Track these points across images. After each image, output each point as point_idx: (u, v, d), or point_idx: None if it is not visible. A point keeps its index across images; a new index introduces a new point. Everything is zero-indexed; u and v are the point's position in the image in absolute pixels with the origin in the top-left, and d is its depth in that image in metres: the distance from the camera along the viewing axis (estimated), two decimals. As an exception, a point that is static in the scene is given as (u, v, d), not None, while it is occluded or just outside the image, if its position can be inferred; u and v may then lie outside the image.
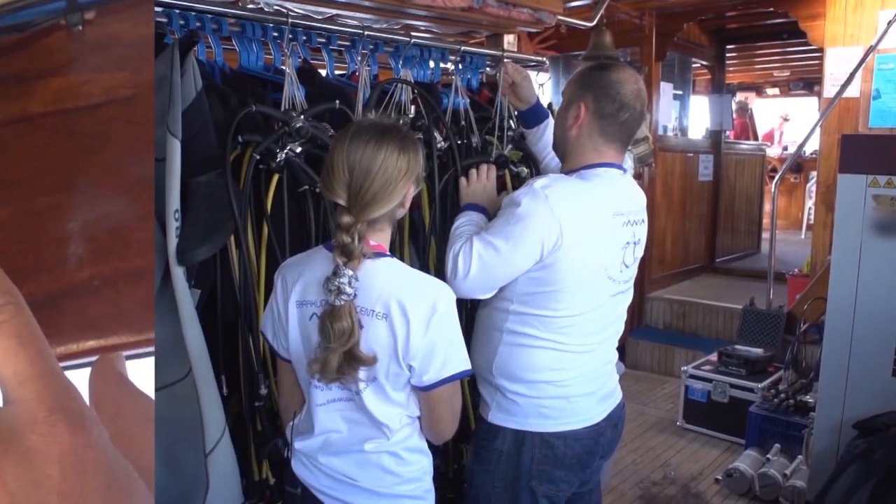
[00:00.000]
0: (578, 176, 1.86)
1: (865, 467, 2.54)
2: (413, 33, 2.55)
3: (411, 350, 1.47)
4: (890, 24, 4.24)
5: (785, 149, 10.67)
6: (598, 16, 4.24)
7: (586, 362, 1.91)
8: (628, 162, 5.83)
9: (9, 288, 0.62)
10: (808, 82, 10.04)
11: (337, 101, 2.03)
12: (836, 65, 4.85)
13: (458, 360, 1.54)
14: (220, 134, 1.81)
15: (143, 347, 1.25)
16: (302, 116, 1.91)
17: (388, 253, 1.55)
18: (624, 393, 2.10)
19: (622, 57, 5.89)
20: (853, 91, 4.62)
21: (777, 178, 5.37)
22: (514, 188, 2.46)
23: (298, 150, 1.92)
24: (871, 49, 4.41)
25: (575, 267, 1.78)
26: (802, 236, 8.65)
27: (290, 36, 2.15)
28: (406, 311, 1.45)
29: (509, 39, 3.02)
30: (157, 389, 1.75)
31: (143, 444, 0.73)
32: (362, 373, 1.50)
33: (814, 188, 6.61)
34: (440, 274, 2.24)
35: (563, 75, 6.61)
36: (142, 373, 1.03)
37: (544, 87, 2.85)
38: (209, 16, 2.04)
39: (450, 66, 2.66)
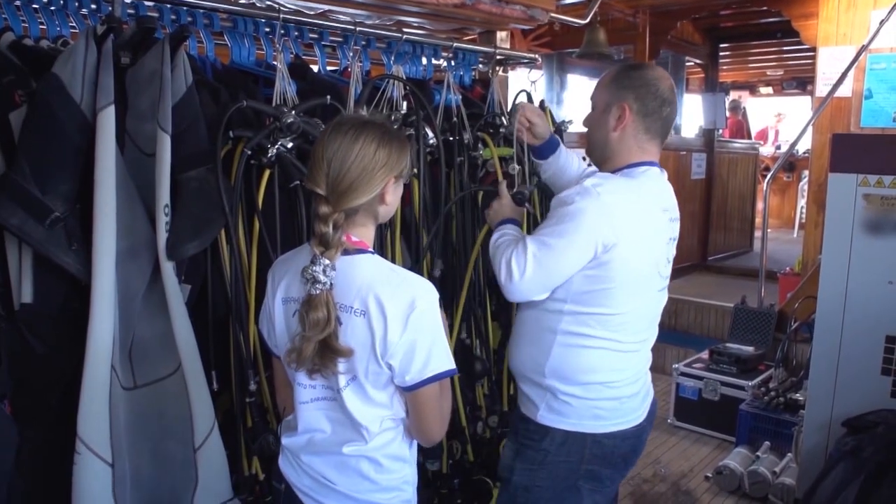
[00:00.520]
0: (624, 174, 1.85)
1: (854, 465, 2.55)
2: (405, 29, 2.55)
3: (389, 348, 1.43)
4: (882, 23, 4.25)
5: (778, 147, 10.70)
6: (592, 13, 4.24)
7: (635, 362, 1.92)
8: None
9: None
10: (802, 81, 10.06)
11: (328, 97, 2.03)
12: (829, 64, 4.85)
13: (440, 360, 1.49)
14: (211, 129, 1.80)
15: None
16: (293, 112, 1.91)
17: (369, 250, 1.52)
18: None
19: (616, 55, 5.90)
20: (845, 90, 4.63)
21: (769, 176, 5.38)
22: (510, 186, 2.47)
23: (290, 145, 1.92)
24: (864, 48, 4.42)
25: (630, 263, 1.78)
26: (795, 235, 8.67)
27: (282, 31, 2.15)
28: (383, 308, 1.42)
29: (502, 36, 3.02)
30: (146, 384, 1.75)
31: None
32: (342, 370, 1.48)
33: (806, 187, 6.62)
34: (431, 275, 2.25)
35: (556, 72, 6.62)
36: None
37: (536, 83, 2.85)
38: (201, 11, 2.04)
39: (442, 62, 2.66)
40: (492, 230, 2.02)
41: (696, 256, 7.02)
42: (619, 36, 5.81)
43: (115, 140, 1.61)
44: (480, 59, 2.88)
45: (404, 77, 2.45)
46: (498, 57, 2.82)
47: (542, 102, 2.89)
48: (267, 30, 2.19)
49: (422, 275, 2.25)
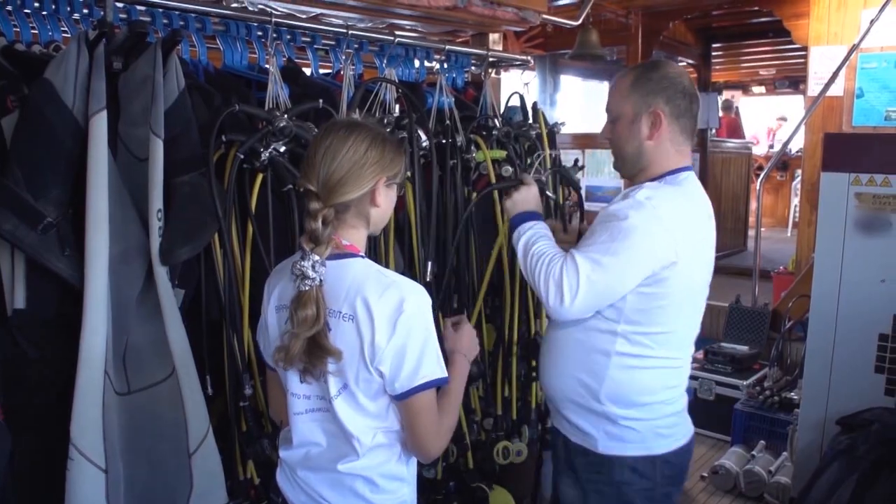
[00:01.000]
0: (668, 182, 1.77)
1: (849, 463, 2.56)
2: (398, 32, 2.55)
3: (377, 353, 1.40)
4: (872, 23, 4.27)
5: (771, 147, 10.73)
6: (584, 14, 4.25)
7: (685, 375, 1.87)
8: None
9: None
10: (794, 80, 10.09)
11: (321, 101, 2.03)
12: (821, 63, 4.87)
13: (431, 367, 1.45)
14: (204, 133, 1.80)
15: None
16: (286, 116, 1.91)
17: (360, 254, 1.50)
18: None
19: (608, 56, 5.91)
20: (837, 89, 4.64)
21: (763, 176, 5.39)
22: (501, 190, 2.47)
23: (282, 149, 1.92)
24: (855, 48, 4.44)
25: (689, 278, 1.73)
26: (788, 234, 8.69)
27: (275, 35, 2.15)
28: (371, 311, 1.40)
29: (494, 38, 3.03)
30: (140, 390, 1.74)
31: None
32: (333, 377, 1.45)
33: (799, 186, 6.64)
34: (424, 278, 2.25)
35: (549, 74, 6.63)
36: None
37: (529, 85, 2.85)
38: (193, 15, 2.04)
39: (435, 65, 2.67)
40: (511, 222, 1.92)
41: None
42: (611, 37, 5.82)
43: (108, 145, 1.61)
44: (473, 62, 2.88)
45: (397, 80, 2.45)
46: (490, 59, 2.82)
47: (534, 105, 2.89)
48: (259, 33, 2.19)
49: (416, 278, 2.27)
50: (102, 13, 1.78)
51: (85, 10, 1.86)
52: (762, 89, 11.24)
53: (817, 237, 2.97)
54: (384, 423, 1.50)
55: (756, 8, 5.72)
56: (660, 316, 1.73)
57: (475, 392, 2.56)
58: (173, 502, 1.79)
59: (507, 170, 2.47)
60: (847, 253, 2.84)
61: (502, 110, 2.85)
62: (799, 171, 7.10)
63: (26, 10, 1.80)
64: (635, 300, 1.70)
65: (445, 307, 2.41)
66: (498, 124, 2.61)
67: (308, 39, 2.35)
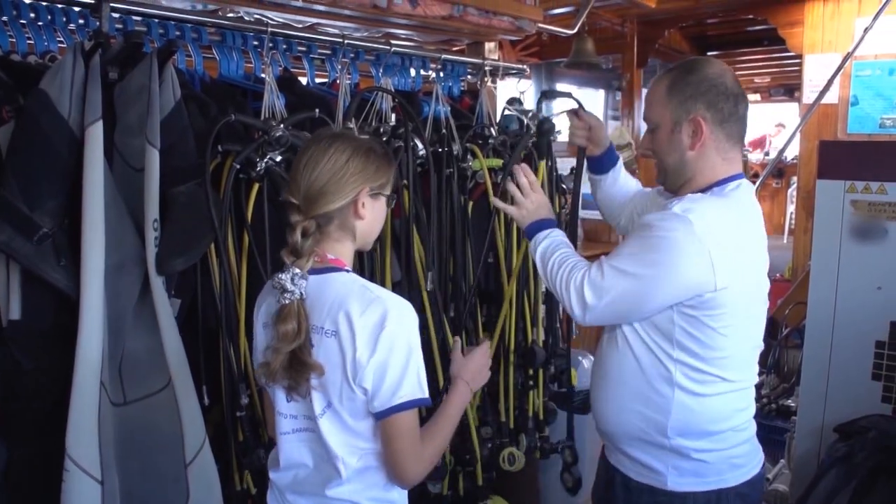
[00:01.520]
0: (714, 194, 1.64)
1: (846, 470, 2.55)
2: (394, 42, 2.55)
3: (359, 370, 1.37)
4: (866, 31, 4.29)
5: (767, 154, 10.76)
6: (580, 23, 4.25)
7: (753, 396, 1.76)
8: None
9: None
10: (789, 88, 10.11)
11: (317, 110, 2.03)
12: (815, 71, 4.89)
13: (411, 387, 1.40)
14: (200, 143, 1.80)
15: None
16: (282, 125, 1.91)
17: (345, 268, 1.48)
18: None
19: (604, 64, 5.92)
20: (832, 97, 4.66)
21: (758, 183, 5.40)
22: (495, 195, 2.47)
23: (279, 158, 1.91)
24: (849, 55, 4.45)
25: (743, 300, 1.60)
26: (784, 241, 8.70)
27: (271, 45, 2.15)
28: (353, 327, 1.37)
29: (490, 47, 3.03)
30: (136, 400, 1.74)
31: None
32: (317, 396, 1.42)
33: (795, 193, 6.65)
34: (411, 285, 2.24)
35: (545, 82, 6.63)
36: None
37: (525, 94, 2.86)
38: (189, 25, 2.04)
39: (431, 74, 2.67)
40: (526, 232, 1.85)
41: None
42: (607, 45, 5.83)
43: (104, 155, 1.61)
44: (469, 70, 2.88)
45: (393, 89, 2.46)
46: (486, 68, 2.83)
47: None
48: (255, 43, 2.19)
49: (416, 287, 2.27)
50: (98, 23, 1.78)
51: (81, 21, 1.86)
52: (757, 97, 11.27)
53: (813, 244, 2.97)
54: (371, 445, 1.46)
55: (751, 16, 5.74)
56: (715, 339, 1.60)
57: (472, 401, 2.56)
58: (169, 513, 1.78)
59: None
60: (843, 260, 2.84)
61: (498, 119, 2.85)
62: (794, 179, 7.12)
63: (22, 21, 1.80)
64: (684, 324, 1.59)
65: (442, 317, 2.41)
66: (494, 133, 2.61)
67: (304, 49, 2.35)
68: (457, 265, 2.44)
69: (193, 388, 1.75)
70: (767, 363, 4.24)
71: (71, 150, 1.60)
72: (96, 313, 1.58)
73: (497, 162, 2.49)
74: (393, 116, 2.46)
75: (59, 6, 1.83)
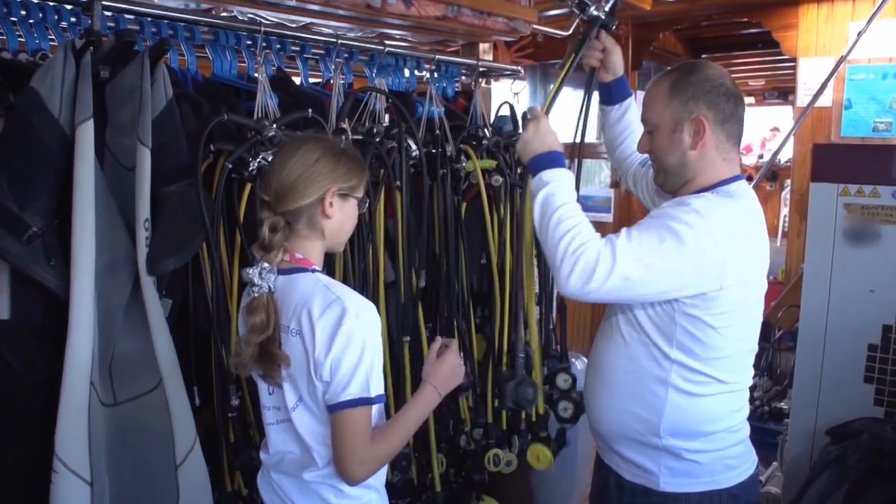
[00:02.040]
0: (721, 194, 1.63)
1: (839, 473, 2.55)
2: (388, 42, 2.55)
3: (319, 367, 1.42)
4: (860, 34, 4.29)
5: (761, 157, 10.77)
6: (574, 25, 4.25)
7: (747, 397, 1.75)
8: (605, 170, 5.87)
9: None
10: (783, 91, 10.14)
11: (310, 110, 2.02)
12: (809, 74, 4.90)
13: (359, 385, 1.42)
14: (192, 143, 1.79)
15: None
16: (274, 125, 1.90)
17: (312, 268, 1.52)
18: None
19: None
20: (825, 101, 4.67)
21: (752, 185, 5.41)
22: (489, 197, 2.47)
23: (271, 158, 1.90)
24: (843, 59, 4.46)
25: (746, 300, 1.62)
26: (778, 244, 8.71)
27: (264, 44, 2.15)
28: (313, 326, 1.41)
29: (484, 48, 3.03)
30: (126, 401, 1.73)
31: None
32: (289, 392, 1.49)
33: (789, 196, 6.66)
34: (410, 284, 2.23)
35: (540, 83, 6.63)
36: None
37: (520, 95, 2.86)
38: (182, 24, 2.03)
39: (425, 74, 2.67)
40: (528, 166, 1.69)
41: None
42: (601, 47, 5.83)
43: (95, 154, 1.60)
44: (463, 71, 2.88)
45: (387, 89, 2.45)
46: (481, 69, 2.83)
47: (524, 115, 2.89)
48: (249, 42, 2.18)
49: (407, 287, 2.26)
50: (90, 22, 1.77)
51: (73, 19, 1.85)
52: (751, 100, 11.30)
53: (806, 247, 2.98)
54: None
55: (745, 19, 5.75)
56: (715, 340, 1.60)
57: (465, 402, 2.55)
58: (159, 514, 1.77)
59: (497, 179, 2.47)
60: (836, 263, 2.84)
61: (492, 120, 2.85)
62: (788, 182, 7.14)
63: (13, 18, 1.79)
64: (686, 323, 1.58)
65: (435, 318, 2.41)
66: (488, 134, 2.61)
67: (298, 49, 2.34)
68: (450, 266, 2.43)
69: (184, 388, 1.74)
70: (760, 366, 4.24)
71: (61, 149, 1.59)
72: (86, 313, 1.57)
73: (491, 163, 2.48)
74: (387, 117, 2.46)
75: (51, 4, 1.82)
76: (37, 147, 1.57)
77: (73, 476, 1.55)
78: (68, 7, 1.84)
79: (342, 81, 2.35)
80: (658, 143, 1.68)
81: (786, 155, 6.57)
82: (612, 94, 2.03)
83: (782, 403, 3.89)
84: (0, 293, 1.57)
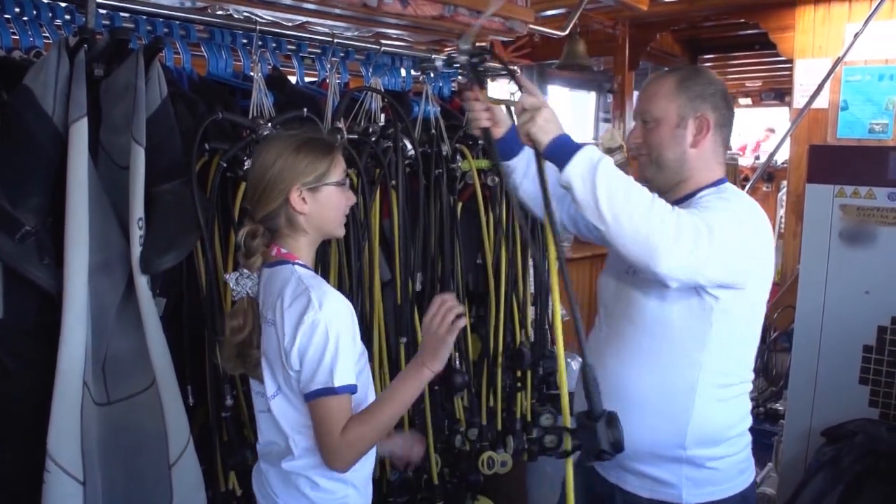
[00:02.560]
0: (729, 192, 1.64)
1: (833, 474, 2.56)
2: (384, 41, 2.54)
3: (287, 355, 1.45)
4: (857, 36, 4.30)
5: (757, 158, 10.78)
6: (571, 25, 4.25)
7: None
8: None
9: None
10: (780, 92, 10.13)
11: (305, 109, 2.02)
12: (806, 76, 4.90)
13: (324, 375, 1.43)
14: (187, 141, 1.78)
15: None
16: (269, 124, 1.90)
17: (293, 261, 1.53)
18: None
19: (595, 66, 5.92)
20: (822, 102, 4.67)
21: (748, 187, 5.41)
22: (485, 197, 2.46)
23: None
24: (839, 61, 4.47)
25: (767, 289, 1.62)
26: (774, 245, 8.72)
27: (260, 43, 2.14)
28: (283, 316, 1.45)
29: (481, 48, 3.02)
30: (119, 400, 1.72)
31: None
32: (268, 379, 1.52)
33: (785, 197, 6.67)
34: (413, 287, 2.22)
35: (536, 83, 6.62)
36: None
37: (516, 95, 2.85)
38: (177, 22, 2.02)
39: (421, 74, 2.66)
40: (554, 147, 1.47)
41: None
42: (598, 47, 5.83)
43: (89, 153, 1.59)
44: (460, 71, 2.87)
45: (382, 89, 2.45)
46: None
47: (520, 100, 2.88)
48: (244, 41, 2.17)
49: (403, 287, 2.26)
50: (84, 19, 1.76)
51: (67, 16, 1.84)
52: (748, 101, 11.31)
53: (802, 248, 2.98)
54: None
55: (742, 20, 5.75)
56: (745, 336, 1.61)
57: (460, 402, 2.55)
58: (153, 514, 1.76)
59: (493, 179, 2.46)
60: (832, 264, 2.85)
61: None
62: (784, 183, 7.14)
63: (7, 16, 1.78)
64: (722, 322, 1.55)
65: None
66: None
67: (293, 48, 2.34)
68: (445, 266, 2.43)
69: (178, 388, 1.73)
70: (756, 367, 4.24)
71: (55, 148, 1.58)
72: (80, 312, 1.56)
73: (486, 163, 2.48)
74: (382, 116, 2.45)
75: (45, 1, 1.81)
76: (30, 145, 1.57)
77: (65, 475, 1.54)
78: (62, 4, 1.83)
79: (338, 80, 2.34)
80: (658, 136, 1.65)
81: (782, 156, 6.58)
82: (515, 143, 1.71)
83: (777, 404, 3.90)
84: (-8, 292, 1.57)
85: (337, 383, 1.43)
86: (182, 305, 1.90)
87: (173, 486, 1.74)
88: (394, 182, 2.22)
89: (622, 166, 5.53)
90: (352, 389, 1.47)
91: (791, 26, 5.04)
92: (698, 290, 1.53)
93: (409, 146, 2.30)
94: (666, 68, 6.78)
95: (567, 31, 4.21)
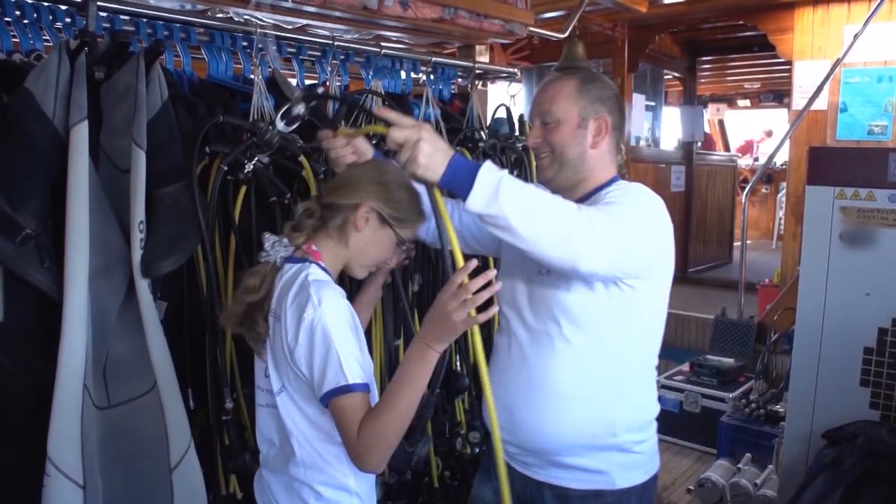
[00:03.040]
0: (627, 185, 1.71)
1: (834, 476, 2.55)
2: (384, 44, 2.54)
3: (291, 353, 1.43)
4: (856, 37, 4.31)
5: (756, 160, 10.80)
6: (571, 27, 4.26)
7: None
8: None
9: None
10: (778, 94, 10.15)
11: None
12: (805, 77, 4.92)
13: (335, 373, 1.38)
14: (188, 144, 1.78)
15: None
16: (271, 127, 1.89)
17: (314, 261, 1.52)
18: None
19: (595, 68, 5.93)
20: (821, 104, 4.68)
21: (748, 188, 5.42)
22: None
23: (266, 160, 1.90)
24: (838, 62, 4.47)
25: (670, 275, 1.69)
26: (773, 246, 8.73)
27: (260, 46, 2.14)
28: (287, 315, 1.44)
29: (481, 50, 3.03)
30: (120, 403, 1.72)
31: None
32: (273, 376, 1.50)
33: (784, 199, 6.68)
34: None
35: (536, 86, 6.63)
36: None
37: (516, 97, 2.85)
38: (177, 25, 2.02)
39: (421, 76, 2.66)
40: (449, 176, 1.37)
41: (675, 268, 6.98)
42: (597, 49, 5.84)
43: (90, 156, 1.59)
44: (459, 74, 2.88)
45: (383, 91, 2.45)
46: (477, 71, 2.82)
47: (521, 117, 2.89)
48: (244, 44, 2.17)
49: (405, 292, 2.25)
50: (85, 22, 1.76)
51: (67, 19, 1.84)
52: (747, 103, 11.32)
53: (802, 250, 2.98)
54: (320, 432, 1.49)
55: (741, 22, 5.77)
56: (658, 319, 1.69)
57: (461, 405, 2.55)
58: (153, 518, 1.76)
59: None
60: (832, 266, 2.85)
61: (489, 122, 2.85)
62: (784, 184, 7.16)
63: (7, 19, 1.78)
64: (646, 309, 1.63)
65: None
66: (484, 136, 2.61)
67: (294, 50, 2.34)
68: (444, 267, 2.42)
69: (179, 391, 1.73)
70: (756, 368, 4.25)
71: (55, 150, 1.58)
72: (80, 316, 1.56)
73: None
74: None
75: (46, 4, 1.81)
76: (31, 148, 1.56)
77: (65, 479, 1.54)
78: (63, 7, 1.83)
79: (338, 83, 2.34)
80: (559, 136, 1.68)
81: (781, 158, 6.59)
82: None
83: (778, 406, 3.90)
84: (-7, 295, 1.57)
85: (351, 380, 1.38)
86: (183, 309, 1.89)
87: (174, 490, 1.73)
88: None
89: (620, 167, 5.53)
90: (365, 388, 1.41)
91: (790, 28, 5.05)
92: (616, 281, 1.57)
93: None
94: (665, 70, 6.73)
95: (566, 34, 4.23)
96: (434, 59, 2.64)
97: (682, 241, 7.13)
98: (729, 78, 9.78)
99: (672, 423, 4.37)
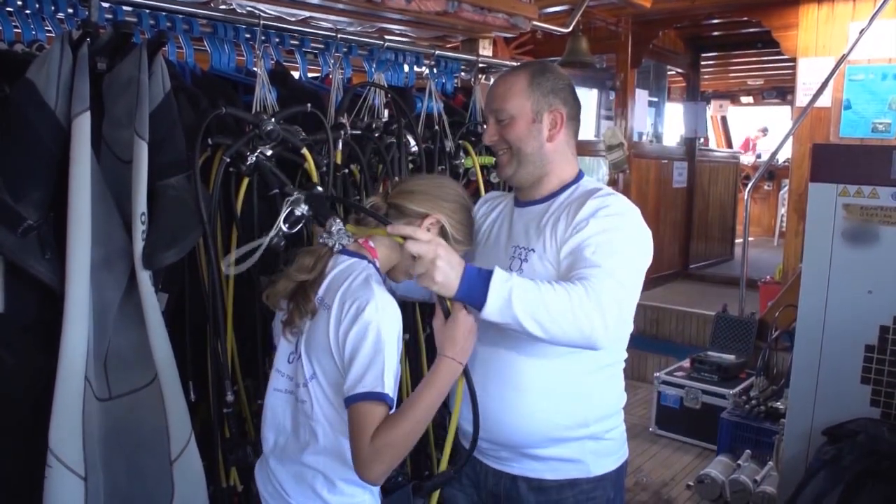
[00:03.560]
0: (600, 190, 1.69)
1: (834, 473, 2.55)
2: (387, 37, 2.54)
3: (337, 351, 1.43)
4: (862, 33, 4.29)
5: (758, 156, 10.78)
6: (574, 22, 4.25)
7: None
8: (603, 168, 5.86)
9: None
10: (782, 91, 10.14)
11: (308, 105, 2.01)
12: (809, 74, 4.91)
13: (373, 380, 1.37)
14: (190, 136, 1.78)
15: None
16: (273, 119, 1.89)
17: (370, 258, 1.55)
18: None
19: (598, 63, 5.92)
20: (825, 101, 4.67)
21: (750, 185, 5.41)
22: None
23: (269, 153, 1.90)
24: (842, 59, 4.46)
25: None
26: (775, 244, 8.72)
27: (263, 38, 2.13)
28: (341, 311, 1.43)
29: (484, 44, 3.02)
30: (121, 395, 1.72)
31: None
32: (305, 364, 1.49)
33: (787, 196, 6.67)
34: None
35: (539, 81, 6.63)
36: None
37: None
38: (180, 16, 2.02)
39: (424, 70, 2.66)
40: (464, 290, 1.42)
41: (677, 264, 7.05)
42: (601, 44, 5.84)
43: (92, 147, 1.58)
44: (462, 67, 2.87)
45: (386, 84, 2.44)
46: (480, 65, 2.82)
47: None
48: (247, 36, 2.17)
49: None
50: (87, 13, 1.75)
51: (70, 10, 1.84)
52: (750, 99, 11.30)
53: (805, 247, 2.97)
54: (346, 426, 1.45)
55: (745, 18, 5.75)
56: (631, 313, 1.65)
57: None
58: (154, 510, 1.76)
59: (496, 176, 2.46)
60: (834, 263, 2.84)
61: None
62: (786, 181, 7.15)
63: (9, 9, 1.77)
64: None
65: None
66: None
67: (297, 42, 2.33)
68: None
69: (180, 383, 1.72)
70: (757, 365, 4.25)
71: (57, 141, 1.57)
72: (81, 307, 1.56)
73: (490, 160, 2.48)
74: (385, 112, 2.45)
75: (48, -6, 1.80)
76: (32, 139, 1.56)
77: (67, 471, 1.54)
78: (65, -3, 1.83)
79: (341, 76, 2.33)
80: (514, 132, 1.68)
81: (784, 155, 6.58)
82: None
83: (778, 403, 3.90)
84: (-6, 286, 1.56)
85: (386, 390, 1.38)
86: (184, 301, 1.89)
87: (175, 482, 1.73)
88: (397, 178, 2.21)
89: (620, 164, 5.55)
90: (392, 403, 1.40)
91: (794, 24, 5.04)
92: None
93: (413, 142, 2.30)
94: (668, 66, 6.72)
95: (570, 28, 4.22)
96: (437, 52, 2.63)
97: (683, 237, 7.13)
98: (732, 74, 9.76)
99: (672, 419, 4.38)
